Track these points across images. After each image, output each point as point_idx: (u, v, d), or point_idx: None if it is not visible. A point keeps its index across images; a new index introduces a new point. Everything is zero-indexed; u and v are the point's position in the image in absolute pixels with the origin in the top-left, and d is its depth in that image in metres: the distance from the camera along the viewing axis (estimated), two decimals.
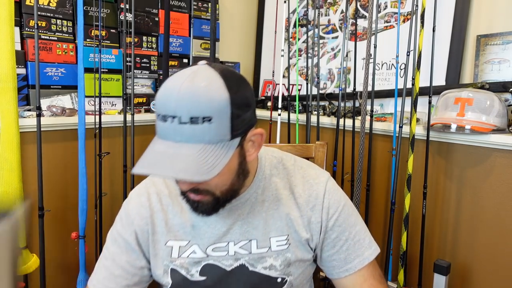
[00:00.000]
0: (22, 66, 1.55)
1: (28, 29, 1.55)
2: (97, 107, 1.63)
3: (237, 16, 2.38)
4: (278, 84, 2.17)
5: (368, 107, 1.69)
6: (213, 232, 0.80)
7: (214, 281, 0.81)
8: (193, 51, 1.98)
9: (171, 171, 0.63)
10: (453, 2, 1.61)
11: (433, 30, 1.52)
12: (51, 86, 1.63)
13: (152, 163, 0.64)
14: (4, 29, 1.33)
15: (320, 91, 2.05)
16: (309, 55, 2.05)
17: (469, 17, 1.59)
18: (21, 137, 1.41)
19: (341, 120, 1.82)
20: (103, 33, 1.74)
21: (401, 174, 1.64)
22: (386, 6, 1.84)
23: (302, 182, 0.84)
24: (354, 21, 1.88)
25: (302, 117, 1.94)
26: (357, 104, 1.82)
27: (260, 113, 2.25)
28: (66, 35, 1.66)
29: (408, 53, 1.56)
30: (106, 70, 1.76)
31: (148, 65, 1.91)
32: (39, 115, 1.43)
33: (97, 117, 1.63)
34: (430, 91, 1.53)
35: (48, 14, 1.61)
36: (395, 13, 1.82)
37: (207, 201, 0.72)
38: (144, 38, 1.89)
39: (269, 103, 2.15)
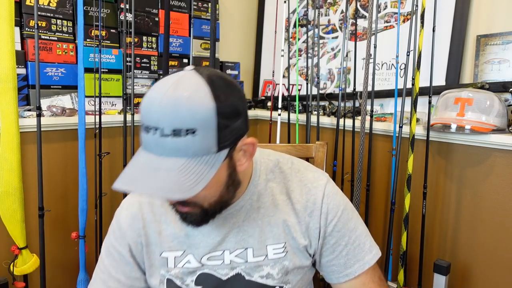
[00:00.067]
0: (22, 66, 1.55)
1: (28, 29, 1.55)
2: (97, 107, 1.63)
3: (237, 16, 2.38)
4: (278, 84, 2.17)
5: (368, 107, 1.69)
6: (208, 242, 0.78)
7: None
8: (193, 51, 1.98)
9: (150, 188, 0.60)
10: (453, 2, 1.61)
11: (433, 30, 1.52)
12: (51, 86, 1.63)
13: (132, 179, 0.61)
14: (4, 29, 1.34)
15: (320, 91, 2.06)
16: (309, 55, 2.05)
17: (469, 17, 1.59)
18: (21, 137, 1.41)
19: (341, 120, 1.82)
20: (103, 33, 1.74)
21: (401, 174, 1.64)
22: (386, 6, 1.84)
23: (299, 186, 0.81)
24: (354, 21, 1.88)
25: (302, 117, 1.94)
26: (357, 104, 1.82)
27: (260, 113, 2.25)
28: (66, 35, 1.66)
29: (408, 53, 1.56)
30: (106, 70, 1.76)
31: (148, 65, 1.91)
32: (39, 115, 1.43)
33: (97, 117, 1.63)
34: (430, 91, 1.53)
35: (48, 14, 1.61)
36: (395, 13, 1.82)
37: (195, 212, 0.70)
38: (144, 38, 1.89)
39: (269, 103, 2.15)
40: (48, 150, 1.59)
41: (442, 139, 1.55)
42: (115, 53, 1.78)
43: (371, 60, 1.69)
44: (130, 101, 1.73)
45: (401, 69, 1.75)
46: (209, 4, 2.08)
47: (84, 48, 1.57)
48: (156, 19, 1.92)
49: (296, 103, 1.93)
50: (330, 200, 0.80)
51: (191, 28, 1.99)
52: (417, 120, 1.62)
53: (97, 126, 1.63)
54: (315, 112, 1.90)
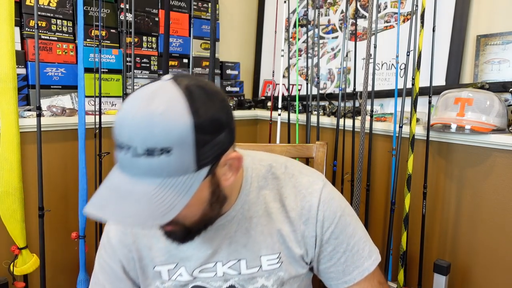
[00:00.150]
0: (22, 66, 1.55)
1: (28, 29, 1.55)
2: (97, 107, 1.63)
3: (237, 16, 2.38)
4: (278, 84, 2.17)
5: (368, 107, 1.69)
6: (199, 254, 0.75)
7: None
8: (193, 51, 1.98)
9: (121, 215, 0.55)
10: (453, 2, 1.61)
11: (433, 30, 1.52)
12: (51, 86, 1.64)
13: (103, 204, 0.57)
14: (4, 29, 1.34)
15: (320, 91, 2.06)
16: (309, 55, 2.05)
17: (469, 17, 1.59)
18: (21, 137, 1.41)
19: (341, 120, 1.82)
20: (103, 33, 1.74)
21: (401, 174, 1.64)
22: (386, 6, 1.84)
23: (293, 192, 0.76)
24: (354, 21, 1.88)
25: (302, 117, 1.94)
26: (357, 104, 1.82)
27: (260, 113, 2.25)
28: (66, 35, 1.66)
29: (408, 53, 1.56)
30: (106, 70, 1.76)
31: (148, 65, 1.91)
32: (39, 115, 1.43)
33: (97, 117, 1.63)
34: (430, 91, 1.53)
35: (48, 14, 1.61)
36: (395, 13, 1.82)
37: (178, 230, 0.67)
38: (144, 38, 1.89)
39: (269, 103, 2.15)
40: (48, 150, 1.59)
41: (442, 139, 1.55)
42: (115, 53, 1.78)
43: (371, 60, 1.69)
44: None
45: (401, 69, 1.75)
46: (209, 4, 2.08)
47: (84, 48, 1.57)
48: (156, 19, 1.92)
49: (296, 103, 1.93)
50: (327, 207, 0.76)
51: (191, 28, 1.99)
52: (417, 120, 1.62)
53: (97, 126, 1.63)
54: (315, 112, 1.90)
